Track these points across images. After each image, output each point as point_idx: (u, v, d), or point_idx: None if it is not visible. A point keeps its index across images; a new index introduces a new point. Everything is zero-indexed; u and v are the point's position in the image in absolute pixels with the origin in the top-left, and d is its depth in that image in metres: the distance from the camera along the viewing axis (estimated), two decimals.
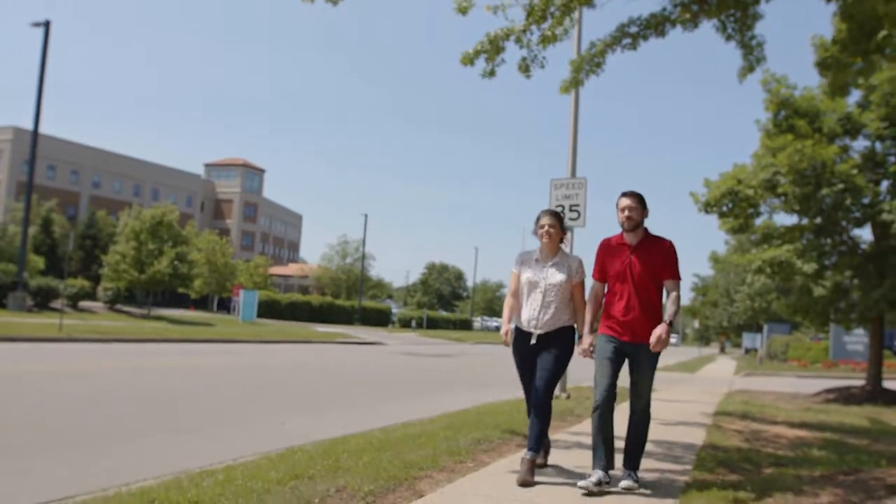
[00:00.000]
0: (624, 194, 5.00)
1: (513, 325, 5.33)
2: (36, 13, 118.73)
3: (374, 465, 5.12)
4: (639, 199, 4.97)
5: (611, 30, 8.90)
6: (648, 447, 6.88)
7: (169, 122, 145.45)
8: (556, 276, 5.19)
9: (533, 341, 5.14)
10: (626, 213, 4.93)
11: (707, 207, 14.43)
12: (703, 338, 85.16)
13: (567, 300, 5.20)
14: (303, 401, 10.26)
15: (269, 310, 52.80)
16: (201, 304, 61.33)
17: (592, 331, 5.04)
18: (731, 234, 15.99)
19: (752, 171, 14.19)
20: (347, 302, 65.61)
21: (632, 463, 4.92)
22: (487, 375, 17.69)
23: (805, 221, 14.62)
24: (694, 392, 15.44)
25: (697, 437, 7.93)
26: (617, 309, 4.91)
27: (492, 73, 8.52)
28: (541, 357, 5.10)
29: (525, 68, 8.61)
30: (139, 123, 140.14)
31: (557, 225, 5.26)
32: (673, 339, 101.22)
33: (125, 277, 35.15)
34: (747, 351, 56.66)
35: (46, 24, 27.41)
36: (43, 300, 28.86)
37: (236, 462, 5.27)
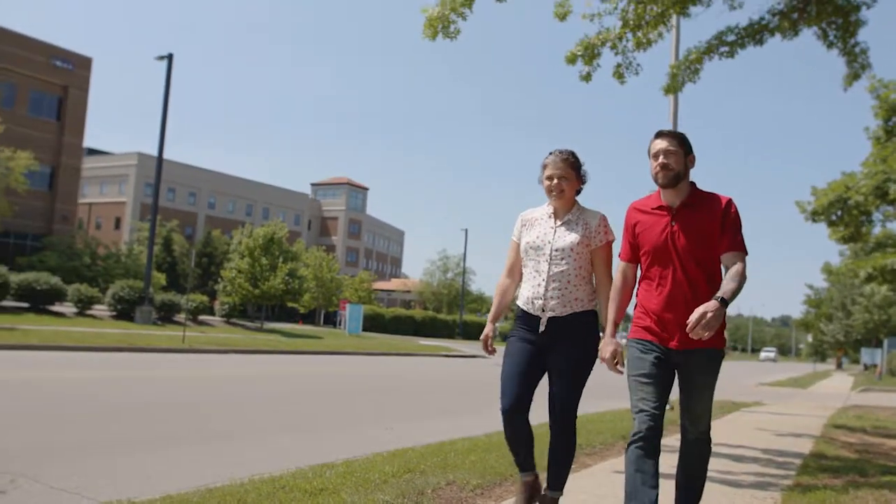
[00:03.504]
0: (658, 135, 3.55)
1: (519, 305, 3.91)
2: (161, 47, 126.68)
3: (480, 464, 5.45)
4: (680, 141, 3.50)
5: (708, 37, 9.01)
6: (752, 453, 6.93)
7: (278, 144, 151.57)
8: (566, 238, 3.76)
9: (541, 328, 3.74)
10: (662, 158, 3.45)
11: (815, 216, 14.05)
12: (819, 353, 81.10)
13: (584, 273, 3.77)
14: (408, 408, 10.71)
15: (373, 323, 54.16)
16: (309, 318, 63.51)
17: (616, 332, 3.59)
18: (843, 244, 15.47)
19: (862, 179, 13.75)
20: (449, 316, 66.40)
21: None
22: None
23: None
24: (805, 406, 15.00)
25: (804, 447, 7.85)
26: (656, 301, 3.46)
27: (588, 77, 8.75)
28: (552, 356, 3.73)
29: (619, 75, 8.80)
30: (251, 146, 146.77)
31: (572, 173, 3.82)
32: (770, 354, 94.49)
33: (240, 292, 37.01)
34: (866, 367, 53.69)
35: (169, 57, 29.40)
36: (167, 314, 30.79)
37: (353, 458, 5.72)
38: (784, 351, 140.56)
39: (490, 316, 4.06)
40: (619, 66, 8.71)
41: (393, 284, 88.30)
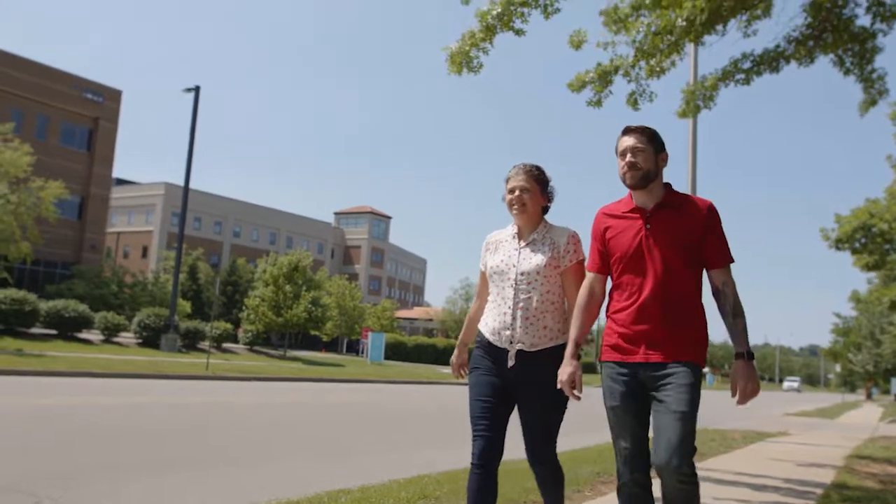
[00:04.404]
0: (625, 131, 3.20)
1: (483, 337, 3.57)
2: (187, 76, 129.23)
3: None
4: (649, 137, 3.15)
5: (724, 63, 9.08)
6: (773, 483, 6.86)
7: (302, 173, 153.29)
8: (532, 260, 3.41)
9: (511, 363, 3.37)
10: (629, 156, 3.12)
11: (839, 244, 13.98)
12: (847, 383, 79.56)
13: (554, 298, 3.41)
14: (428, 435, 10.72)
15: (395, 352, 54.19)
16: (332, 346, 63.68)
17: (579, 353, 3.20)
18: (867, 272, 15.32)
19: (886, 206, 13.66)
20: (471, 345, 66.13)
21: None
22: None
23: None
24: (830, 437, 14.76)
25: (826, 477, 7.75)
26: (627, 313, 3.07)
27: (598, 103, 8.84)
28: (523, 395, 3.38)
29: (634, 102, 8.89)
30: (275, 175, 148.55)
31: (536, 187, 3.48)
32: (794, 383, 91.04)
33: (263, 320, 37.29)
34: None
35: (196, 89, 30.04)
36: (191, 342, 31.08)
37: (369, 485, 5.75)
38: (813, 381, 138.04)
39: (460, 339, 3.77)
40: (632, 93, 8.80)
41: (415, 313, 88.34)
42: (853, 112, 9.86)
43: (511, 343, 3.38)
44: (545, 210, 3.56)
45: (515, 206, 3.46)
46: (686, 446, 2.83)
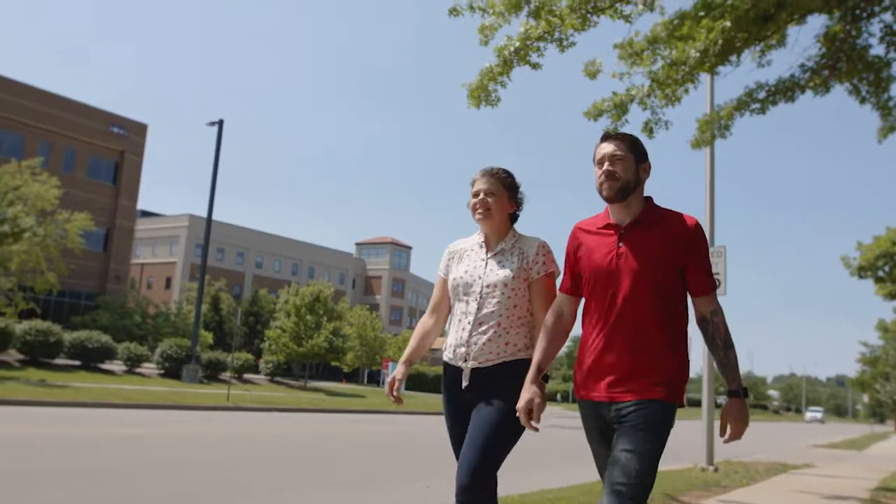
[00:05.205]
0: (604, 137, 2.93)
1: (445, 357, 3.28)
2: (207, 108, 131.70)
3: None
4: (630, 144, 2.86)
5: (739, 92, 9.12)
6: None
7: (323, 203, 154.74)
8: (498, 272, 3.13)
9: (465, 383, 3.10)
10: (607, 165, 2.82)
11: (861, 272, 13.84)
12: (877, 414, 77.91)
13: (521, 313, 3.12)
14: (448, 466, 10.66)
15: (416, 382, 54.03)
16: (352, 376, 63.63)
17: (545, 378, 2.90)
18: (890, 300, 15.13)
19: None
20: None
21: None
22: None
23: None
24: (857, 468, 14.48)
25: None
26: (595, 342, 2.76)
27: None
28: (476, 411, 3.05)
29: (649, 130, 8.95)
30: (297, 205, 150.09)
31: (503, 191, 3.20)
32: (816, 414, 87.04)
33: (284, 351, 37.43)
34: None
35: (220, 123, 30.54)
36: (213, 372, 31.22)
37: None
38: (840, 412, 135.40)
39: (403, 357, 3.37)
40: (648, 121, 8.87)
41: (436, 343, 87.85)
42: (871, 138, 9.86)
43: (465, 361, 3.10)
44: (514, 218, 3.28)
45: (479, 211, 3.17)
46: (646, 482, 2.51)
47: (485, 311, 3.10)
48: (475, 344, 3.07)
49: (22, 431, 10.76)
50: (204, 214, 32.14)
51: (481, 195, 3.18)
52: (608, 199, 2.82)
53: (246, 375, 34.87)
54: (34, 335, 24.81)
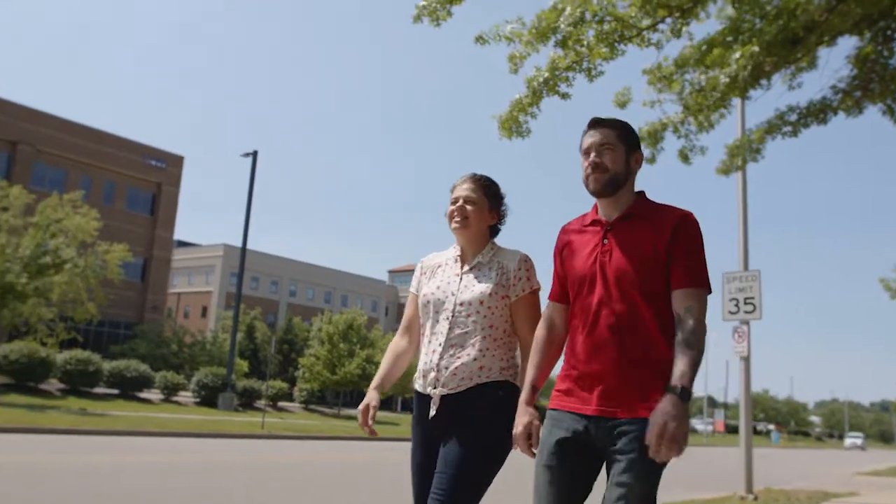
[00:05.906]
0: (591, 124, 2.60)
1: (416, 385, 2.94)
2: (241, 138, 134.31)
3: None
4: (620, 133, 2.55)
5: (770, 115, 9.07)
6: None
7: (356, 231, 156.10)
8: (473, 289, 2.82)
9: (431, 412, 2.79)
10: (593, 155, 2.52)
11: None
12: None
13: (499, 334, 2.82)
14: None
15: None
16: (386, 403, 63.45)
17: (538, 400, 2.63)
18: None
19: None
20: None
21: None
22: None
23: None
24: None
25: None
26: (580, 349, 2.47)
27: (651, 160, 8.95)
28: (444, 446, 2.74)
29: (685, 157, 8.95)
30: (330, 233, 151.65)
31: (484, 200, 2.92)
32: (857, 440, 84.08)
33: (318, 378, 37.59)
34: None
35: (254, 154, 31.06)
36: (248, 400, 31.46)
37: None
38: (885, 437, 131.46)
39: (373, 382, 2.99)
40: (683, 148, 8.87)
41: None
42: None
43: (434, 387, 2.78)
44: (495, 232, 2.99)
45: (456, 219, 2.87)
46: None
47: (457, 331, 2.79)
48: (446, 368, 2.75)
49: (60, 459, 10.95)
50: (238, 244, 32.58)
51: (460, 202, 2.89)
52: (595, 193, 2.54)
53: (280, 403, 35.05)
54: (74, 364, 25.31)
